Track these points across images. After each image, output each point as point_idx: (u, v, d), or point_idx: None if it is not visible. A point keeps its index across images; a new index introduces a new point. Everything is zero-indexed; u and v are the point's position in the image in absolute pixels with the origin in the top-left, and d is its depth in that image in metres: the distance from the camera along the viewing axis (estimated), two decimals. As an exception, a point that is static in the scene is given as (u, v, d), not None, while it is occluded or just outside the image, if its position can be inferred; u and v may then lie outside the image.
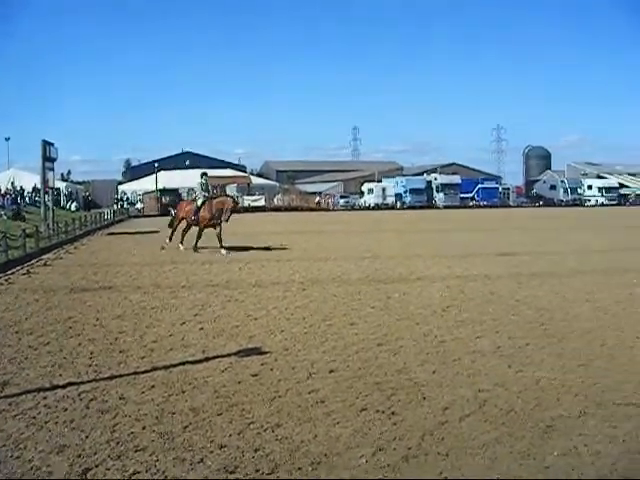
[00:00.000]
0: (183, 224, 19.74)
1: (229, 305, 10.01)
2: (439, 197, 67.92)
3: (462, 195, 69.08)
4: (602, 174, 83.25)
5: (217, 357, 6.77)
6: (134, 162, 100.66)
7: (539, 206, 70.07)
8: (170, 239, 19.78)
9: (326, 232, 28.25)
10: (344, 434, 4.69)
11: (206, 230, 18.90)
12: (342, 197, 69.61)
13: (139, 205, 57.33)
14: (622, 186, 77.98)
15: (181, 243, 19.17)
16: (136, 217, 48.14)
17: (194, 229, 19.18)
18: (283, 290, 11.39)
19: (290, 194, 69.44)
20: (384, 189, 67.61)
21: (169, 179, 60.78)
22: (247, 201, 58.44)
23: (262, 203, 60.51)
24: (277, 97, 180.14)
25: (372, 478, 4.03)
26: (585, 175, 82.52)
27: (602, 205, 69.80)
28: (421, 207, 63.40)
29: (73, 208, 49.63)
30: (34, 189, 45.34)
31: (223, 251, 17.95)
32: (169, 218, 23.00)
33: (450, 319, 8.74)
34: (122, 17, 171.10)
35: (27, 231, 19.13)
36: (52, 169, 29.00)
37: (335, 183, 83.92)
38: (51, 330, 8.21)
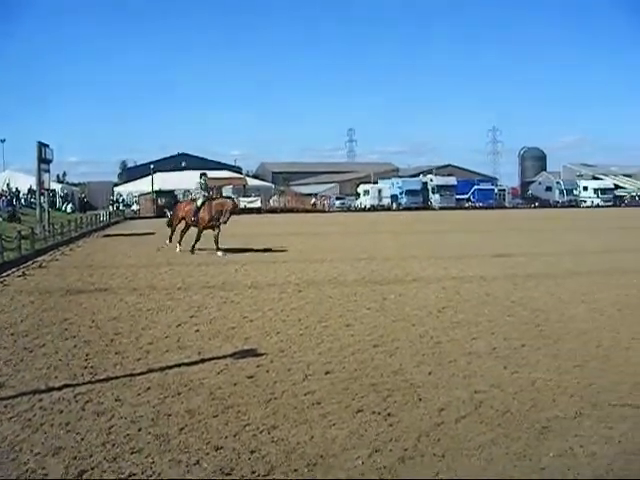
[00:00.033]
0: (182, 224, 19.74)
1: (225, 307, 10.01)
2: (435, 198, 68.04)
3: (458, 196, 69.12)
4: (597, 175, 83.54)
5: (213, 359, 6.77)
6: (130, 164, 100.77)
7: (535, 207, 70.13)
8: (170, 239, 19.86)
9: (322, 234, 28.23)
10: (340, 435, 4.69)
11: (204, 232, 18.90)
12: (338, 198, 69.49)
13: (135, 207, 57.13)
14: (617, 187, 78.34)
15: (179, 243, 19.19)
16: (132, 219, 47.98)
17: (192, 230, 19.19)
18: (279, 292, 11.39)
19: (286, 196, 69.46)
20: (380, 190, 67.81)
21: (165, 181, 60.51)
22: (243, 203, 58.08)
23: (258, 205, 60.33)
24: (274, 98, 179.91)
25: (368, 479, 4.03)
26: (580, 176, 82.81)
27: (598, 206, 69.92)
28: (417, 208, 63.49)
29: (69, 210, 49.49)
30: (30, 191, 45.25)
31: (219, 253, 17.95)
32: (165, 220, 23.01)
33: (446, 320, 8.75)
34: (122, 17, 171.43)
35: (22, 233, 19.05)
36: (48, 171, 29.05)
37: (331, 184, 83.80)
38: (47, 332, 8.20)
